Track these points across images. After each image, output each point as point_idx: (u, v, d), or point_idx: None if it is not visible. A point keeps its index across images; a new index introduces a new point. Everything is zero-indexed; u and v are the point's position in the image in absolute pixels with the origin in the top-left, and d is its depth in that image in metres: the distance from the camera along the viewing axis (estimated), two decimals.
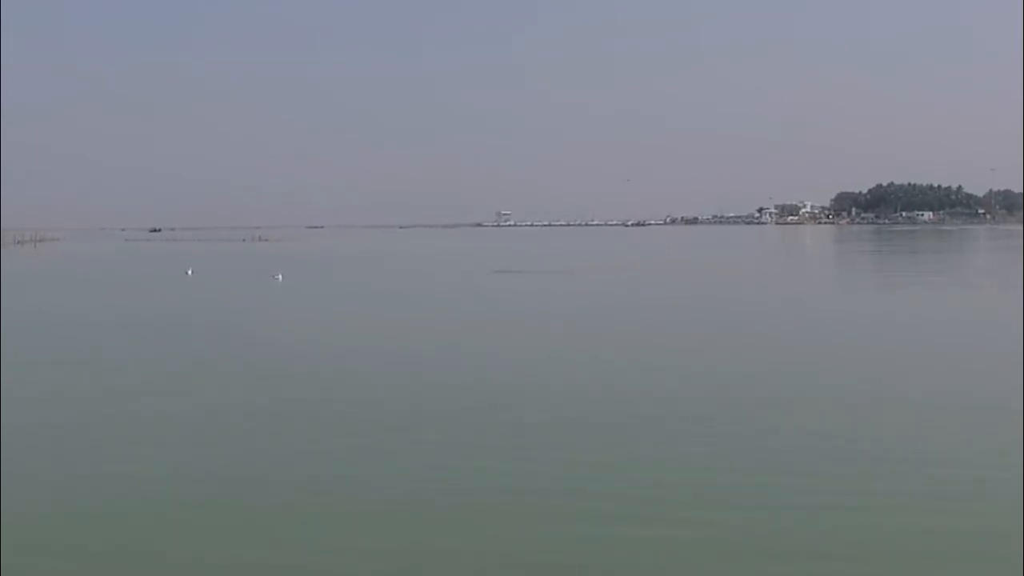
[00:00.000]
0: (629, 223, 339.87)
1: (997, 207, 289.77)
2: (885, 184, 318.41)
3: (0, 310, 35.78)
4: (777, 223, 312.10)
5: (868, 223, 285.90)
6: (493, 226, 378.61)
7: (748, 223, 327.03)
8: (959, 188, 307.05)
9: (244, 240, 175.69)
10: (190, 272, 64.53)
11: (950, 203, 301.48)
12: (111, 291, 50.68)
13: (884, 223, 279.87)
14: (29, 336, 29.80)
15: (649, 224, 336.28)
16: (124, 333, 30.38)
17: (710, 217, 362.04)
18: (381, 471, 13.33)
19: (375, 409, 17.46)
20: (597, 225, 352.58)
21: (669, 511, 11.52)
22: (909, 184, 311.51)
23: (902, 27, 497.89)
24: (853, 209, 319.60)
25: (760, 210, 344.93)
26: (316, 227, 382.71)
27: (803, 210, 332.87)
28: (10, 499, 11.93)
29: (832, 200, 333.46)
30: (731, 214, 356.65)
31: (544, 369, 21.96)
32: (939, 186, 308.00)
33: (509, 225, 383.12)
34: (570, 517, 11.30)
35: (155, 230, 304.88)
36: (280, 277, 55.50)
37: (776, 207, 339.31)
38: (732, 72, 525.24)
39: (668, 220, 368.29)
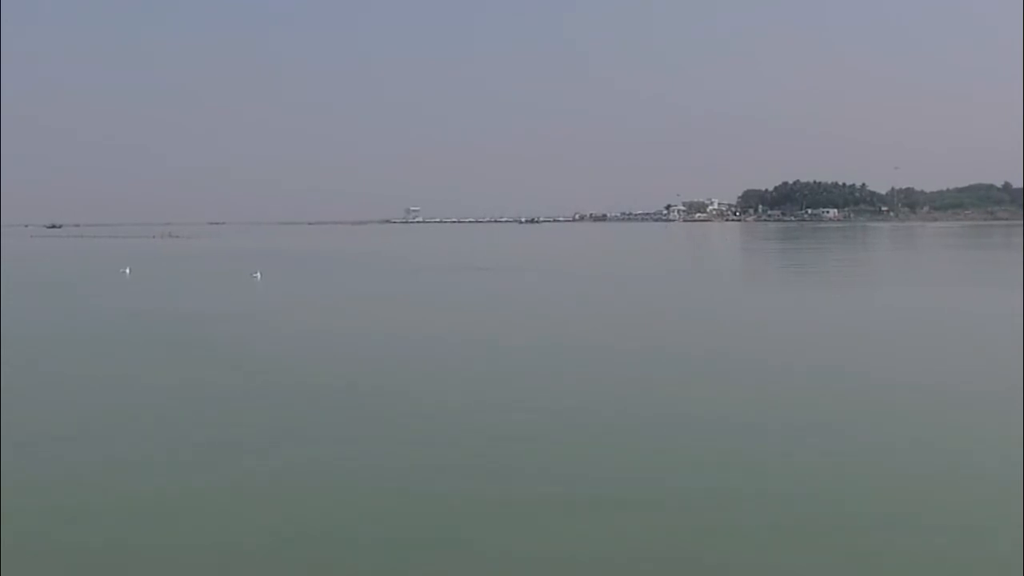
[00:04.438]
0: (522, 220, 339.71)
1: (900, 204, 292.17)
2: (791, 182, 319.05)
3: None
4: (685, 220, 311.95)
5: (774, 220, 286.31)
6: (401, 222, 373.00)
7: (656, 220, 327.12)
8: (863, 186, 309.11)
9: (154, 236, 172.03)
10: (127, 272, 61.69)
11: (854, 200, 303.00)
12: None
13: (790, 220, 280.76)
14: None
15: (542, 221, 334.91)
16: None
17: (618, 214, 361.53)
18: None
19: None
20: (506, 222, 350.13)
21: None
22: (814, 182, 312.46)
23: (817, 20, 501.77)
24: (759, 206, 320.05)
25: (668, 207, 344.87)
26: (217, 223, 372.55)
27: (710, 207, 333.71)
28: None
29: (739, 197, 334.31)
30: (639, 211, 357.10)
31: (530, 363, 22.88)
32: (843, 184, 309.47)
33: (417, 221, 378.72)
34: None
35: (54, 226, 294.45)
36: (258, 276, 54.81)
37: (684, 204, 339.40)
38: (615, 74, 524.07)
39: (576, 217, 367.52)
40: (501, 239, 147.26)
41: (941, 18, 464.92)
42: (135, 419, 16.89)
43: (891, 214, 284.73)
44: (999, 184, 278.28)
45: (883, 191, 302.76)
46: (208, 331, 29.97)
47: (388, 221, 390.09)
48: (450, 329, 29.47)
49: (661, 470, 13.37)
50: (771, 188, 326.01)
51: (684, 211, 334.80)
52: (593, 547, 10.52)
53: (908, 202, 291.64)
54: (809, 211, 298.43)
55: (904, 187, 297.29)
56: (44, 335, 29.53)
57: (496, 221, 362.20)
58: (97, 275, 61.07)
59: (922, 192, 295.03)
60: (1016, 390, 18.22)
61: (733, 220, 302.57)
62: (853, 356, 23.50)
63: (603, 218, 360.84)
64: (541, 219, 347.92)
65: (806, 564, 10.07)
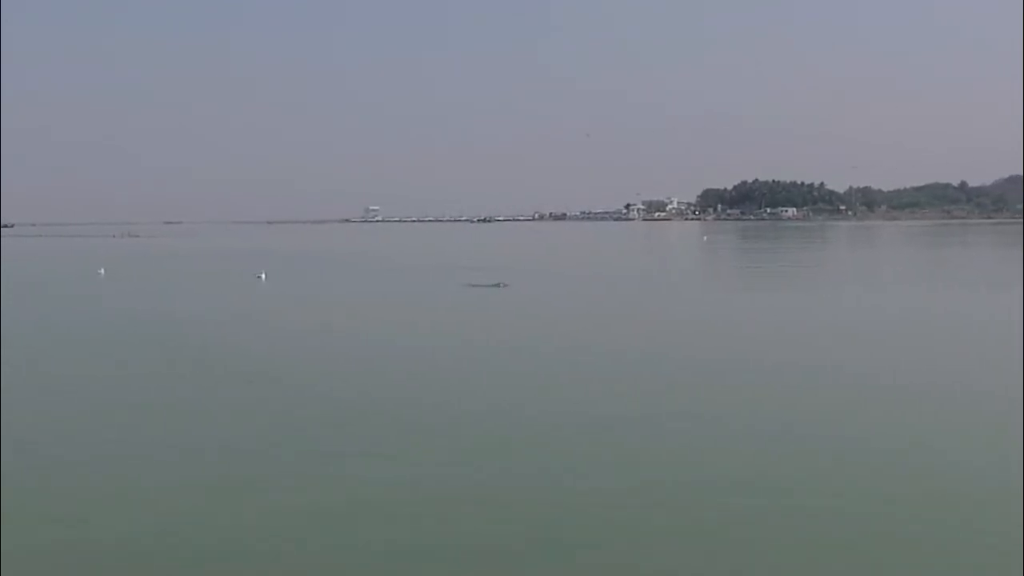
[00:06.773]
0: (475, 219, 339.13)
1: (858, 203, 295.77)
2: (750, 181, 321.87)
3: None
4: (644, 219, 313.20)
5: (734, 219, 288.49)
6: (361, 221, 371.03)
7: (616, 219, 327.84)
8: (821, 185, 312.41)
9: (114, 236, 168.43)
10: (102, 272, 61.10)
11: (812, 199, 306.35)
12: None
13: (750, 219, 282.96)
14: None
15: (496, 220, 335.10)
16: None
17: (578, 213, 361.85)
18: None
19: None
20: (465, 221, 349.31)
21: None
22: (773, 181, 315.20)
23: (777, 20, 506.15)
24: (719, 205, 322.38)
25: (628, 206, 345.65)
26: (173, 222, 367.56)
27: (670, 206, 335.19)
28: None
29: (698, 196, 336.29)
30: (599, 210, 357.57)
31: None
32: (802, 183, 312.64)
33: (377, 221, 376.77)
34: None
35: (7, 225, 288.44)
36: (263, 277, 54.03)
37: (644, 203, 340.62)
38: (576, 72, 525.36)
39: (536, 216, 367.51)
40: (475, 239, 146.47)
41: (900, 18, 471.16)
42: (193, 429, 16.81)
43: (849, 213, 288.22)
44: (955, 183, 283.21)
45: (841, 190, 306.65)
46: (242, 335, 29.75)
47: (347, 220, 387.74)
48: (499, 333, 29.48)
49: (662, 471, 13.60)
50: (730, 187, 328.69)
51: (644, 210, 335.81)
52: (598, 548, 10.67)
53: (866, 201, 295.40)
54: (768, 210, 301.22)
55: (862, 186, 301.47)
56: (60, 338, 29.37)
57: (456, 220, 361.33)
58: (82, 276, 59.97)
59: (879, 191, 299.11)
60: (1016, 389, 18.29)
61: (693, 219, 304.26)
62: (849, 355, 23.57)
63: (563, 217, 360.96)
64: (500, 218, 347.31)
65: (803, 563, 10.20)
